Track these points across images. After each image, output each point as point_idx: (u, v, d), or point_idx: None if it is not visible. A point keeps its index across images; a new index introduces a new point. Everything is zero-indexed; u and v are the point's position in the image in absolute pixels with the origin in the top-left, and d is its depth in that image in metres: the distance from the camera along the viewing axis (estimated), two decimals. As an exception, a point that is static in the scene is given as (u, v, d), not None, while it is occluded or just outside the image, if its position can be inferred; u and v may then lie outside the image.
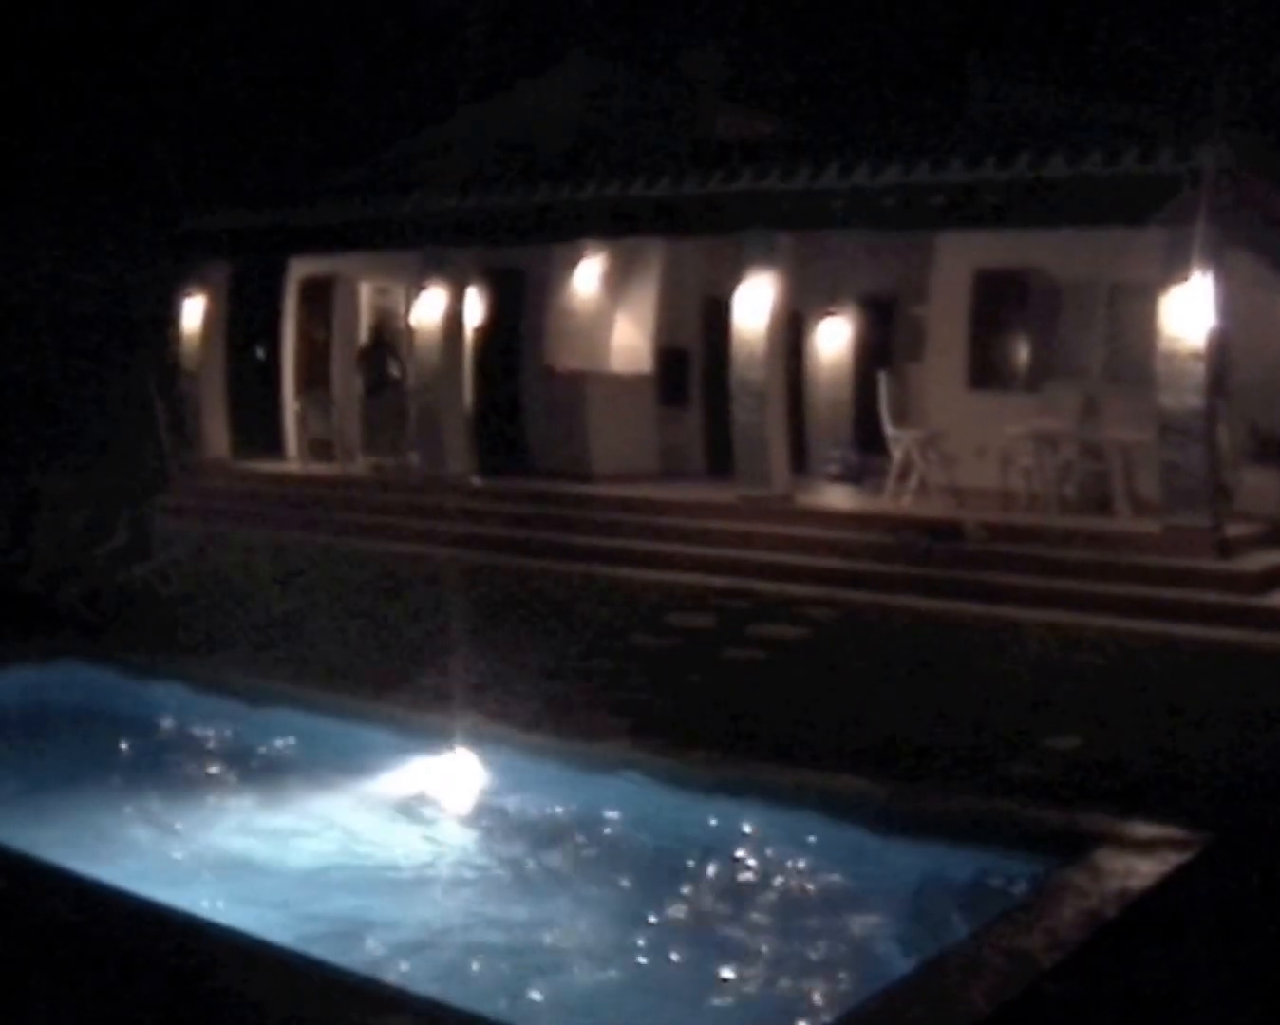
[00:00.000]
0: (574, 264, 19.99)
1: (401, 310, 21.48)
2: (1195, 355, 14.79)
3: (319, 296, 22.55)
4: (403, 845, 7.62)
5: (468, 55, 22.25)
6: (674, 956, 6.33)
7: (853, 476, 19.75)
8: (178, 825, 7.71)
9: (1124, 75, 16.95)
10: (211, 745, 9.02)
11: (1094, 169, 14.92)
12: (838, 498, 18.54)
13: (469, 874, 7.26)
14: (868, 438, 19.24)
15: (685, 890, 6.97)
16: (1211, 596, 13.60)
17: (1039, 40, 17.68)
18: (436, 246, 19.45)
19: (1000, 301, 19.66)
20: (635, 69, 19.11)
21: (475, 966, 6.08)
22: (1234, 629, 12.98)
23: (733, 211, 16.93)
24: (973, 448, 17.46)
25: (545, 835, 7.59)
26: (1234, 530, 15.07)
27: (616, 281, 20.24)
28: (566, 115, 18.35)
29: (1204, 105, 14.64)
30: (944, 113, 16.67)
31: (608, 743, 8.59)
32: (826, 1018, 5.34)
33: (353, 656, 10.94)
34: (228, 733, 9.02)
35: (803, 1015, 5.70)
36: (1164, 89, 15.86)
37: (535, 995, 5.86)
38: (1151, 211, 14.66)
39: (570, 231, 18.77)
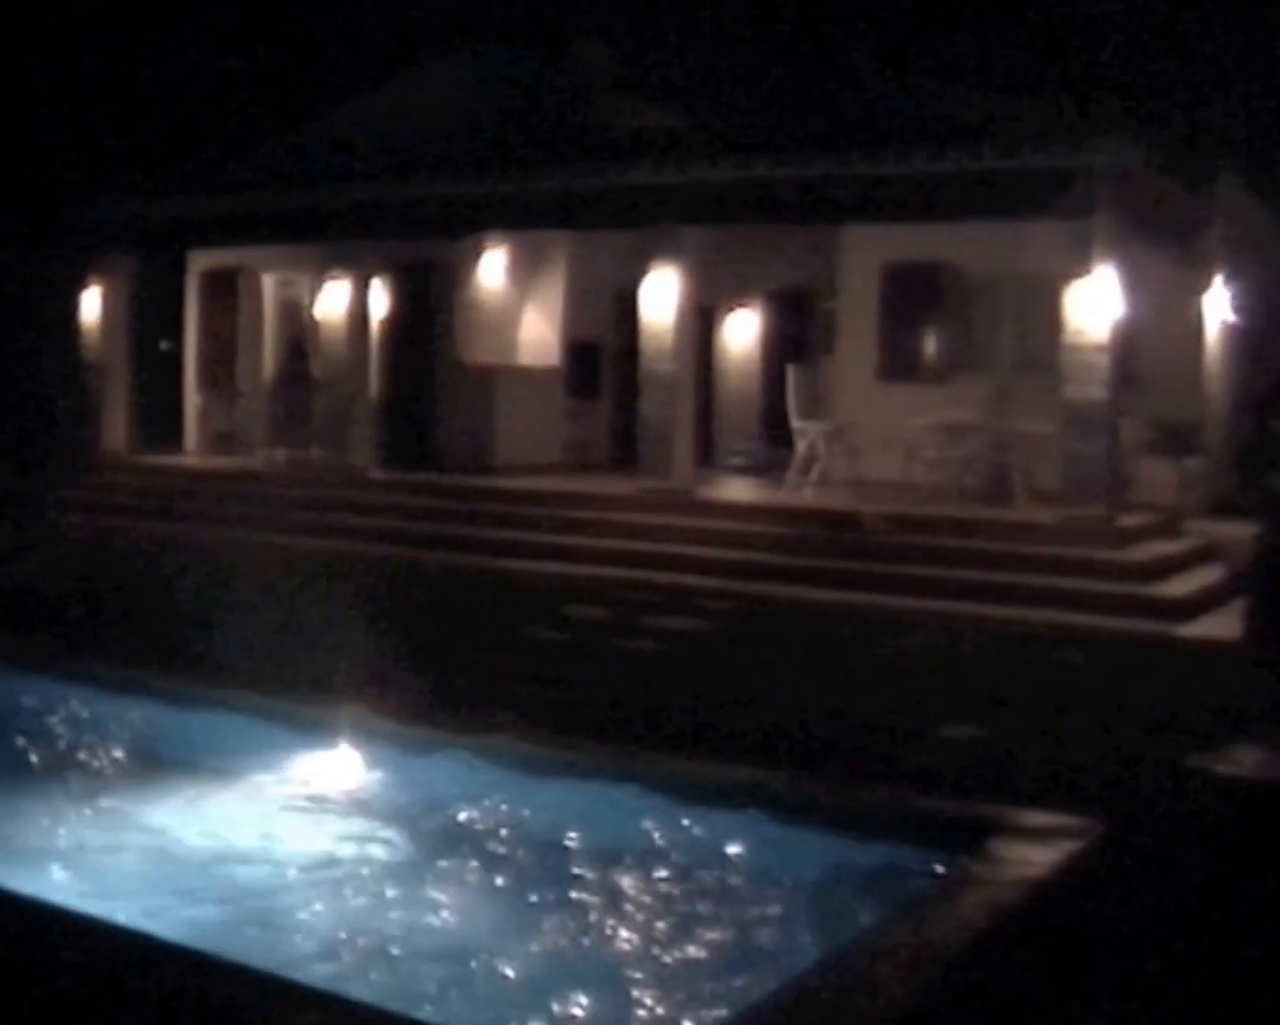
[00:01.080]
0: (481, 257, 19.88)
1: (307, 303, 21.30)
2: (1099, 348, 14.90)
3: (223, 289, 22.36)
4: (291, 838, 7.57)
5: (364, 41, 22.09)
6: (569, 948, 6.31)
7: (757, 469, 19.76)
8: (50, 821, 7.60)
9: (1026, 72, 17.03)
10: (89, 740, 8.87)
11: (992, 164, 14.99)
12: (740, 490, 18.55)
13: (360, 867, 7.18)
14: (776, 430, 19.24)
15: (582, 882, 6.95)
16: (1106, 586, 13.69)
17: (938, 36, 17.72)
18: (341, 239, 19.31)
19: (910, 295, 19.74)
20: (532, 58, 18.97)
21: (374, 959, 6.05)
22: (1127, 618, 13.07)
23: (635, 204, 16.88)
24: (880, 440, 17.49)
25: (435, 826, 7.58)
26: (1131, 520, 15.20)
27: (524, 274, 20.13)
28: (463, 105, 18.19)
29: (1103, 101, 14.69)
30: (842, 107, 16.63)
31: (499, 735, 8.52)
32: (732, 1009, 5.33)
33: (237, 651, 10.78)
34: (109, 727, 8.90)
35: (710, 1006, 5.69)
36: (1064, 86, 15.92)
37: (434, 987, 5.85)
38: (1052, 206, 14.76)
39: (475, 224, 18.67)
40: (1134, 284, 15.31)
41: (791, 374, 18.13)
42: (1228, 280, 18.98)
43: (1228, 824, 7.45)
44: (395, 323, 20.15)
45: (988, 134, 15.03)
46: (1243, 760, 8.20)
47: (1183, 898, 6.40)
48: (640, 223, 17.08)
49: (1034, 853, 6.62)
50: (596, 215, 17.43)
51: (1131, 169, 14.69)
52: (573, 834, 7.40)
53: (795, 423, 17.75)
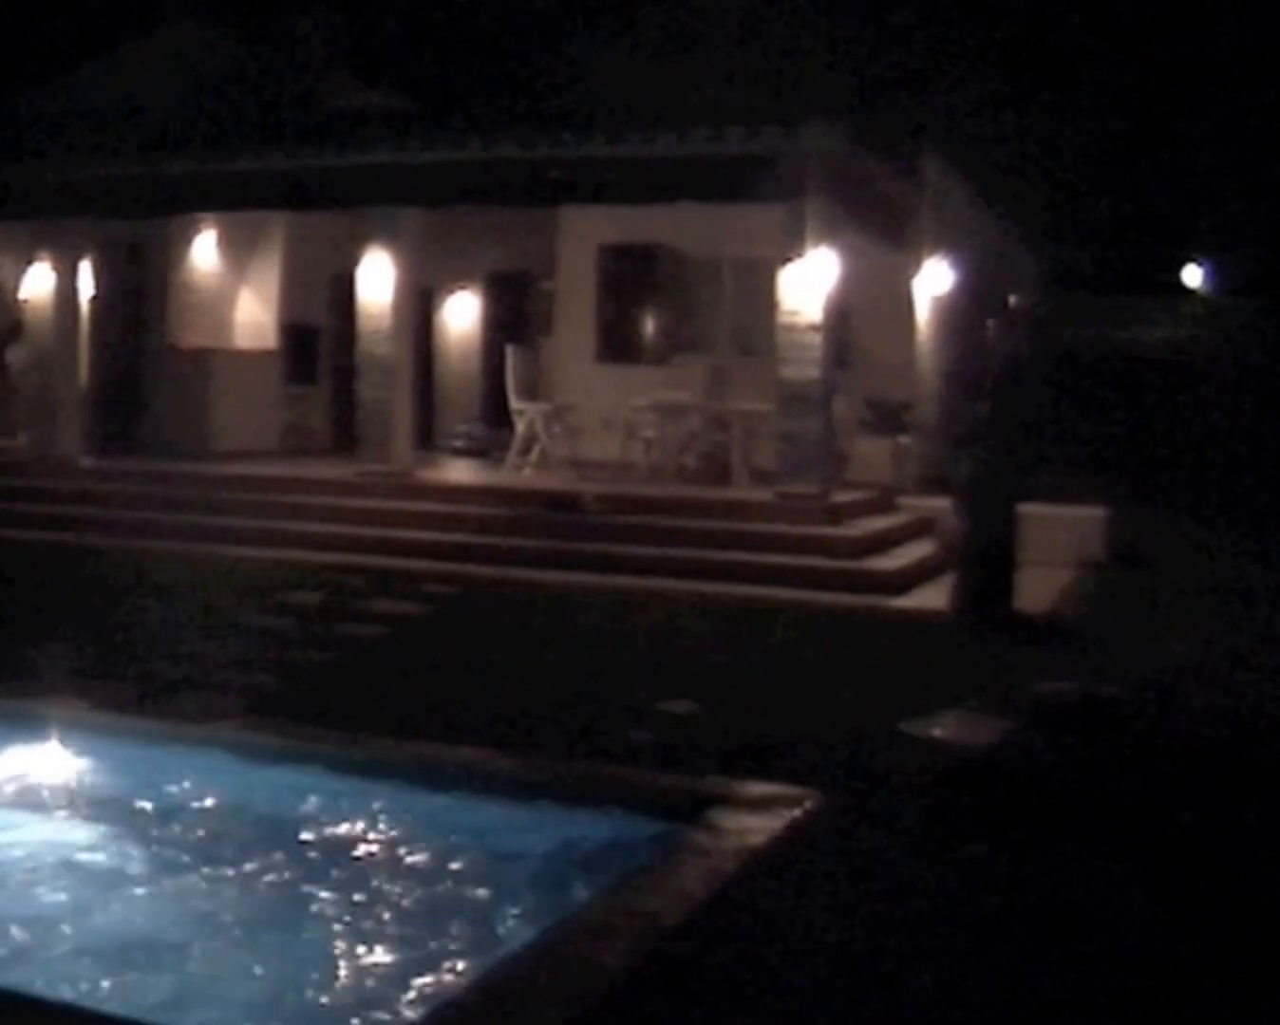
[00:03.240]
0: (194, 238, 19.42)
1: (12, 286, 20.51)
2: (813, 328, 15.14)
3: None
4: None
5: (74, 13, 21.34)
6: (290, 935, 6.20)
7: (478, 450, 19.73)
8: None
9: (733, 56, 17.23)
10: None
11: (702, 147, 15.13)
12: (460, 472, 18.47)
13: (68, 864, 6.91)
14: (497, 412, 19.20)
15: (303, 871, 6.81)
16: (822, 561, 13.93)
17: (651, 18, 17.83)
18: (48, 219, 18.62)
19: (627, 276, 19.92)
20: (246, 35, 18.57)
21: (84, 960, 5.79)
22: (843, 592, 13.31)
23: (351, 185, 16.62)
24: (599, 420, 17.60)
25: (149, 819, 7.35)
26: (844, 497, 15.50)
27: (239, 256, 19.75)
28: (175, 82, 17.71)
29: (811, 85, 14.94)
30: (557, 88, 16.64)
31: (220, 724, 8.34)
32: (453, 987, 5.29)
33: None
34: None
35: (430, 985, 5.61)
36: (774, 69, 16.15)
37: (148, 983, 5.63)
38: (764, 189, 14.96)
39: (187, 204, 18.17)
40: (847, 265, 15.62)
41: (510, 355, 18.11)
42: (937, 261, 19.49)
43: (939, 786, 7.64)
44: (106, 305, 19.52)
45: (698, 117, 15.17)
46: (952, 725, 8.42)
47: (899, 859, 6.54)
48: (356, 204, 16.84)
49: (753, 821, 6.71)
50: (312, 196, 17.11)
51: (840, 152, 14.95)
52: (296, 822, 7.28)
53: (514, 404, 17.74)
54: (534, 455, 17.45)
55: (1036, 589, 12.64)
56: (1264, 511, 17.18)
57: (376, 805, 7.38)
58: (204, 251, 19.54)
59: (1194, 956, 5.59)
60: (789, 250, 15.09)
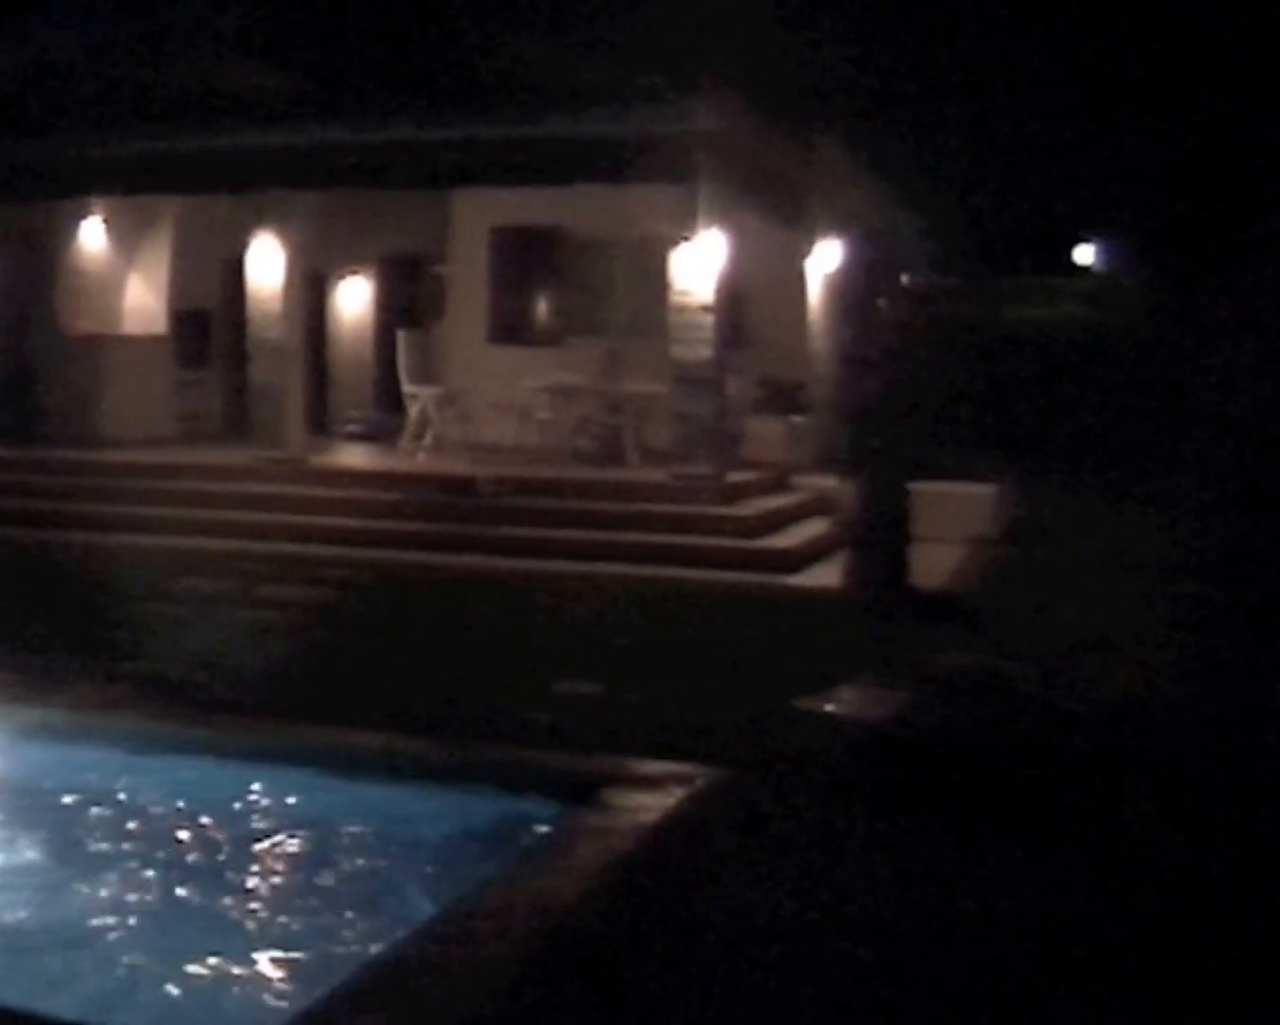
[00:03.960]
0: (83, 223, 19.10)
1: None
2: (705, 309, 15.20)
3: None
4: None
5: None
6: (189, 921, 6.19)
7: (373, 435, 19.61)
8: None
9: (626, 37, 17.20)
10: None
11: (593, 128, 15.12)
12: (354, 457, 18.35)
13: None
14: (392, 397, 19.07)
15: (201, 856, 6.84)
16: (714, 541, 14.02)
17: (544, 1, 17.75)
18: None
19: (521, 259, 19.87)
20: (131, 13, 18.26)
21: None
22: (736, 572, 13.39)
23: (239, 167, 16.43)
24: (493, 403, 17.55)
25: (51, 809, 7.28)
26: (739, 477, 15.57)
27: (130, 241, 19.44)
28: (58, 61, 17.41)
29: (703, 66, 14.95)
30: (447, 70, 16.53)
31: (116, 712, 8.27)
32: (348, 971, 5.25)
33: None
34: None
35: (328, 968, 5.57)
36: (662, 51, 16.14)
37: (43, 976, 5.56)
38: (655, 170, 14.99)
39: (74, 188, 17.87)
40: (740, 245, 15.67)
41: (403, 339, 18.01)
42: (830, 241, 19.59)
43: (835, 761, 7.71)
44: (-3, 294, 19.19)
45: (591, 99, 15.14)
46: (847, 700, 8.48)
47: (793, 834, 6.60)
48: (247, 187, 16.66)
49: (649, 800, 6.76)
50: (201, 179, 16.88)
51: (731, 132, 14.98)
52: (194, 808, 7.27)
53: (407, 388, 17.64)
54: (428, 439, 17.37)
55: (931, 565, 12.74)
56: (1152, 483, 17.44)
57: (274, 790, 7.38)
58: (94, 237, 19.24)
59: (1049, 920, 5.76)
60: (681, 231, 15.12)
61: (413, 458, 17.14)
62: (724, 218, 15.19)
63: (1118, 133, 29.88)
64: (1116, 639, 10.53)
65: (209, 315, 20.54)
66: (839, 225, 19.56)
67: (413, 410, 17.51)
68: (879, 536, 11.63)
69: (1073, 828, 6.80)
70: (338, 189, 16.75)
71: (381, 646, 10.58)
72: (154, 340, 19.50)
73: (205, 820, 7.18)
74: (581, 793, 6.88)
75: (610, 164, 15.28)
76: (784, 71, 17.63)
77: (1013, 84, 29.62)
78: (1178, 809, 7.14)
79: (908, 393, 11.90)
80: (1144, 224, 31.65)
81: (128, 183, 17.40)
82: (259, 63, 17.51)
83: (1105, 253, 33.67)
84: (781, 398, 18.24)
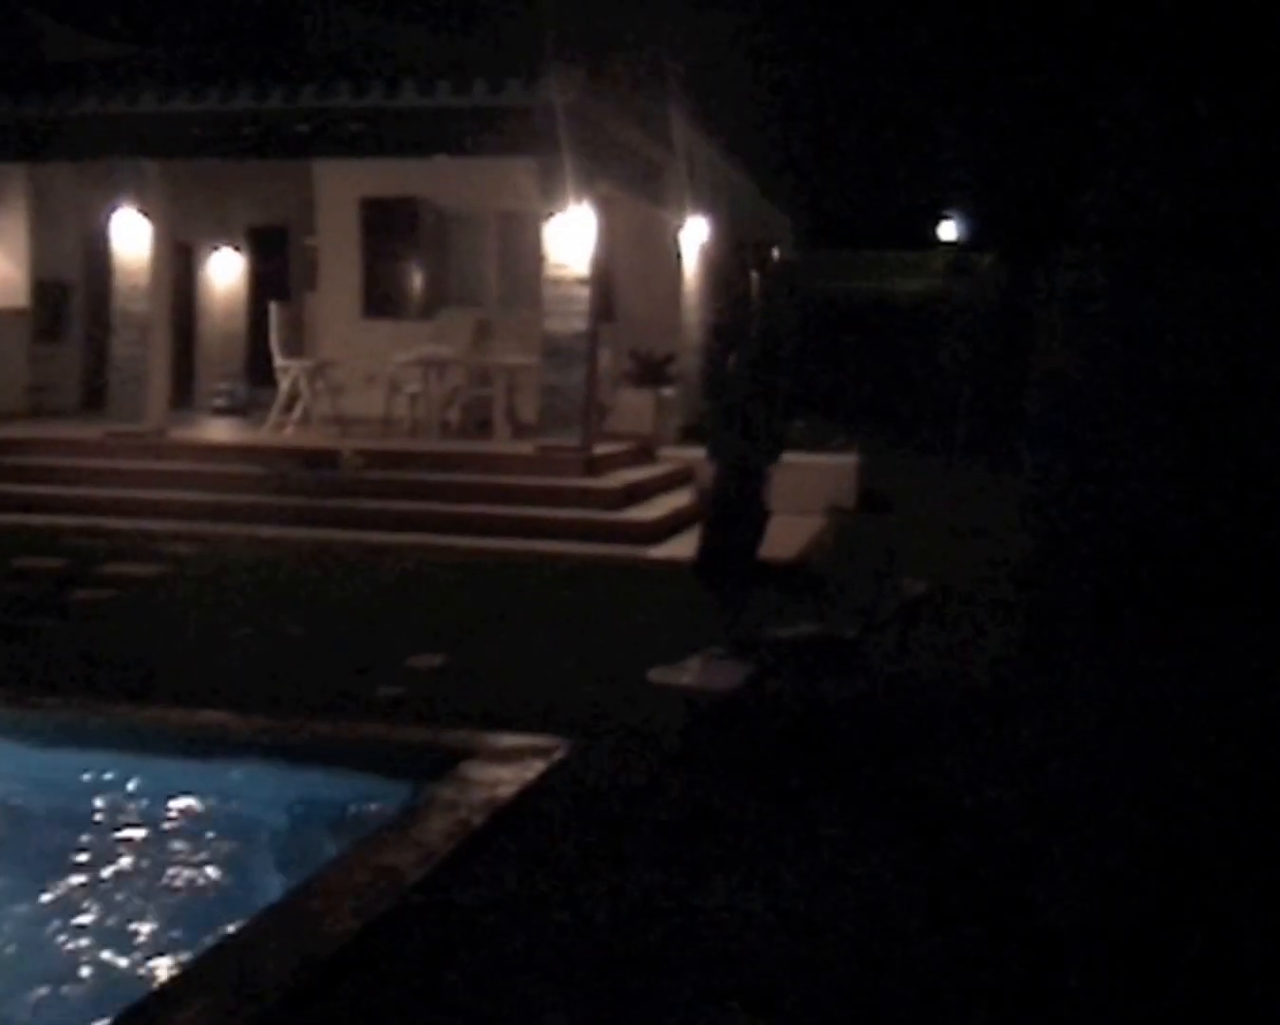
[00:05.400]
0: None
1: None
2: (579, 281, 15.13)
3: None
4: None
5: None
6: (34, 908, 6.05)
7: (240, 409, 19.39)
8: None
9: (476, 8, 17.15)
10: None
11: (447, 100, 14.98)
12: (218, 431, 18.07)
13: None
14: (262, 370, 18.84)
15: (44, 839, 6.72)
16: (577, 513, 13.98)
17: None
18: None
19: (391, 231, 19.73)
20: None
21: None
22: (598, 544, 13.36)
23: (89, 137, 16.10)
24: (364, 376, 17.40)
25: None
26: (604, 449, 15.53)
27: (-20, 211, 19.05)
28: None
29: (555, 37, 14.85)
30: (301, 38, 16.33)
31: None
32: (187, 953, 5.24)
33: None
34: None
35: (169, 953, 5.57)
36: (517, 21, 16.09)
37: None
38: (513, 142, 14.98)
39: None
40: (610, 219, 15.61)
41: (273, 312, 17.78)
42: (697, 216, 19.59)
43: (684, 731, 7.74)
44: None
45: (443, 69, 15.00)
46: (697, 671, 8.48)
47: (640, 805, 6.59)
48: (96, 156, 16.34)
49: (502, 773, 6.72)
50: (51, 148, 16.55)
51: (583, 105, 14.85)
52: (33, 794, 7.13)
53: (279, 361, 17.42)
54: (297, 413, 17.17)
55: (786, 536, 12.73)
56: (1000, 452, 17.75)
57: (113, 773, 7.26)
58: (-56, 206, 18.84)
59: (873, 882, 5.81)
60: (548, 204, 15.04)
61: (280, 431, 16.91)
62: (590, 190, 15.12)
63: (968, 117, 30.44)
64: (954, 602, 10.72)
65: (70, 287, 20.19)
66: (703, 202, 19.57)
67: (283, 383, 17.29)
68: (735, 508, 11.58)
69: (900, 787, 6.97)
70: (186, 158, 16.42)
71: (228, 623, 10.43)
72: (12, 313, 19.12)
73: (36, 806, 7.06)
74: (433, 767, 6.85)
75: (468, 135, 15.19)
76: (638, 44, 17.60)
77: (880, 68, 29.98)
78: (989, 772, 7.28)
79: (766, 364, 11.85)
80: (992, 203, 32.28)
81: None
82: (101, 30, 17.21)
83: (966, 229, 34.08)
84: (650, 370, 18.23)
